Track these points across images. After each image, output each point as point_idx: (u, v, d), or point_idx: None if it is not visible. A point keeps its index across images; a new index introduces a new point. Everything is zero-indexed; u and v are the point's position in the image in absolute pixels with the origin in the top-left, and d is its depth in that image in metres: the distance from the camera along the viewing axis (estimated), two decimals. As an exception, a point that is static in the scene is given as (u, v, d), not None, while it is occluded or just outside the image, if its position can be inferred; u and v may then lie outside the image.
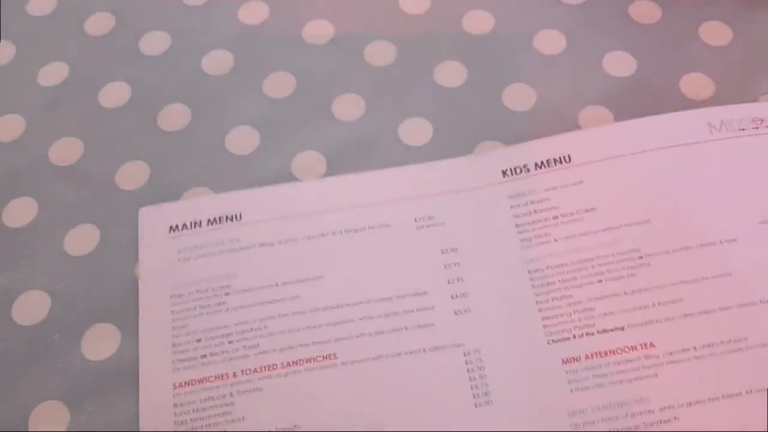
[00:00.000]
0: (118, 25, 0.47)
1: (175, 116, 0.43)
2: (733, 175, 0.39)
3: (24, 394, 0.35)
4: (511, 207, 0.39)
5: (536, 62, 0.44)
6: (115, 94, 0.45)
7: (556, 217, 0.38)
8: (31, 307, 0.38)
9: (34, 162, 0.42)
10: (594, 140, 0.40)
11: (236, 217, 0.40)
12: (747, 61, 0.43)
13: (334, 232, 0.39)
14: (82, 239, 0.39)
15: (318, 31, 0.46)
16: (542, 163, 0.40)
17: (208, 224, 0.39)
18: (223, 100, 0.44)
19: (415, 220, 0.39)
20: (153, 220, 0.40)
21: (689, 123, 0.40)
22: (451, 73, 0.44)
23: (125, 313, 0.37)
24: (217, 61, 0.45)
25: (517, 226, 0.39)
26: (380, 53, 0.45)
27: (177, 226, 0.40)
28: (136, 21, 0.47)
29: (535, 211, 0.39)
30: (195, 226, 0.39)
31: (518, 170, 0.40)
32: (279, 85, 0.44)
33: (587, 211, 0.38)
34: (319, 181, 0.41)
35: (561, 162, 0.40)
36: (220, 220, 0.40)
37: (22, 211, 0.41)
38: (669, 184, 0.39)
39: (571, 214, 0.38)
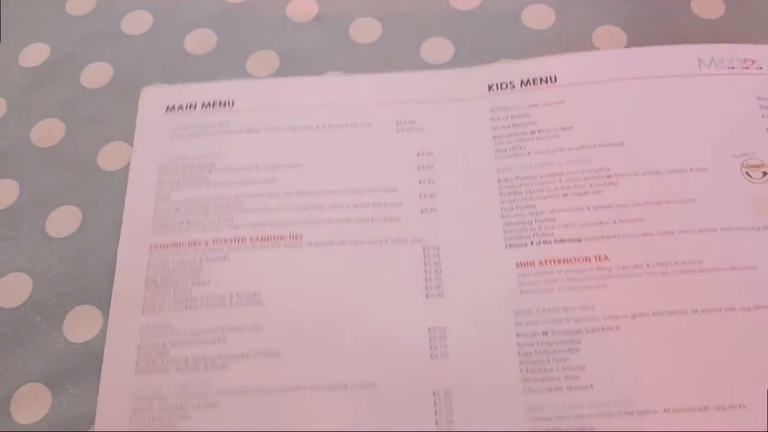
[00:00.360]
0: (100, 5, 0.46)
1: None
2: (714, 109, 0.39)
3: (6, 376, 0.35)
4: (492, 119, 0.40)
5: (524, 38, 0.43)
6: (96, 75, 0.43)
7: (534, 132, 0.39)
8: (13, 289, 0.37)
9: (15, 144, 0.41)
10: (582, 64, 0.41)
11: (229, 104, 0.42)
12: (738, 33, 0.42)
13: (318, 126, 0.40)
14: (64, 221, 0.39)
15: (302, 8, 0.45)
16: (528, 81, 0.41)
17: (202, 107, 0.42)
18: (207, 79, 0.43)
19: (397, 123, 0.40)
20: (153, 99, 0.42)
21: (679, 56, 0.41)
22: (437, 50, 0.43)
23: (107, 296, 0.36)
24: (200, 40, 0.44)
25: (494, 137, 0.40)
26: (366, 30, 0.44)
27: (173, 106, 0.42)
28: (118, 1, 0.46)
29: (514, 125, 0.40)
30: (190, 108, 0.42)
31: (504, 86, 0.41)
32: (263, 63, 0.43)
33: (564, 129, 0.39)
34: (312, 78, 0.42)
35: (547, 81, 0.41)
36: (213, 104, 0.42)
37: (3, 193, 0.40)
38: (649, 111, 0.39)
39: (549, 130, 0.39)
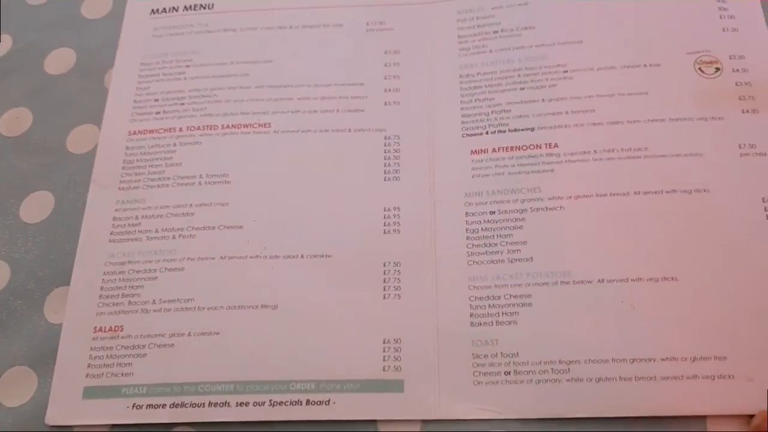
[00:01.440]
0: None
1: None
2: (673, 10, 0.40)
3: (-9, 361, 0.35)
4: (458, 21, 0.42)
5: None
6: (60, 61, 0.43)
7: (497, 32, 0.41)
8: (-8, 277, 0.37)
9: (-16, 135, 0.41)
10: (548, -32, 0.42)
11: (209, 6, 0.44)
12: None
13: (291, 26, 0.42)
14: (37, 206, 0.39)
15: None
16: (494, -15, 0.42)
17: (184, 9, 0.44)
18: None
19: (367, 24, 0.42)
20: (139, 4, 0.44)
21: (643, -39, 0.41)
22: None
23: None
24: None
25: (459, 37, 0.41)
26: None
27: (158, 9, 0.44)
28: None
29: (478, 25, 0.41)
30: (173, 11, 0.44)
31: (472, -10, 0.42)
32: None
33: (526, 28, 0.41)
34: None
35: (512, -15, 0.42)
36: (194, 7, 0.44)
37: (-23, 184, 0.40)
38: (609, 12, 0.40)
39: (511, 30, 0.41)
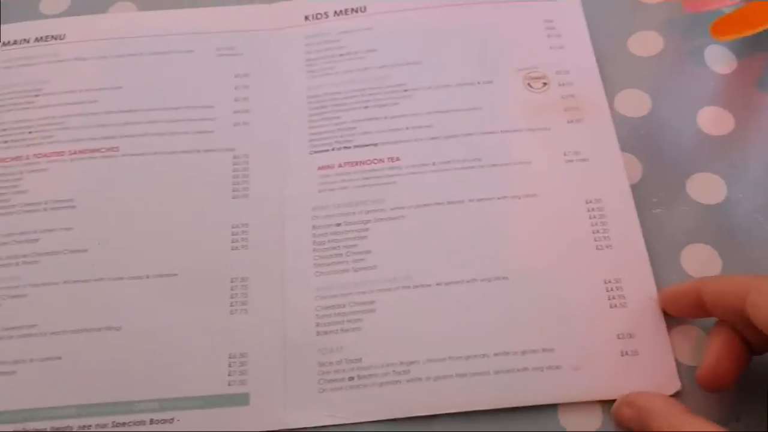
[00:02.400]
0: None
1: None
2: (505, 31, 0.43)
3: None
4: (306, 45, 0.43)
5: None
6: None
7: (342, 54, 0.43)
8: None
9: None
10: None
11: (60, 37, 0.44)
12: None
13: (142, 53, 0.43)
14: None
15: None
16: (341, 11, 0.44)
17: (35, 41, 0.44)
18: None
19: (217, 50, 0.43)
20: (-12, 36, 0.44)
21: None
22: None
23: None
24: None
25: (307, 60, 0.43)
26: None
27: (8, 41, 0.44)
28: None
29: (326, 49, 0.43)
30: (24, 42, 0.44)
31: (319, 16, 0.44)
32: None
33: (369, 51, 0.43)
34: (136, 13, 0.45)
35: (357, 11, 0.44)
36: (46, 38, 0.44)
37: None
38: (446, 34, 0.43)
39: (356, 53, 0.43)
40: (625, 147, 0.39)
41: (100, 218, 0.38)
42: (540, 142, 0.39)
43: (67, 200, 0.38)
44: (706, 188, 0.38)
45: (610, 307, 0.35)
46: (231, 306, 0.35)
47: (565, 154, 0.39)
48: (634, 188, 0.38)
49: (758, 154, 0.39)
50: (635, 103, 0.41)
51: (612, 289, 0.35)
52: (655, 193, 0.38)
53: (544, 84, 0.41)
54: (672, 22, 0.43)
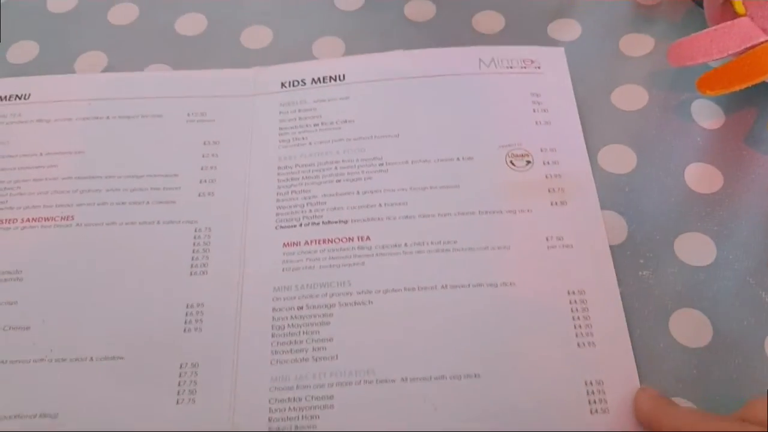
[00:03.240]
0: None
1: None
2: (489, 104, 0.41)
3: None
4: (280, 113, 0.41)
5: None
6: None
7: (317, 124, 0.41)
8: None
9: None
10: (369, 64, 0.43)
11: (25, 96, 0.42)
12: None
13: (108, 117, 0.41)
14: None
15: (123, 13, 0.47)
16: (319, 79, 0.43)
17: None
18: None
19: (188, 115, 0.41)
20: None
21: (461, 57, 0.43)
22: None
23: None
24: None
25: (280, 129, 0.41)
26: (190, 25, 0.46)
27: (-30, 99, 0.42)
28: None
29: (300, 118, 0.41)
30: (-14, 101, 0.42)
31: (296, 83, 0.42)
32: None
33: (346, 122, 0.41)
34: (105, 74, 0.43)
35: (335, 80, 0.42)
36: (9, 97, 0.42)
37: None
38: (426, 106, 0.41)
39: (331, 123, 0.41)
40: (609, 205, 0.37)
41: (47, 292, 0.35)
42: (521, 225, 0.37)
43: (15, 272, 0.36)
44: (695, 249, 0.36)
45: (591, 413, 0.32)
46: (178, 395, 0.33)
47: (547, 240, 0.36)
48: (620, 248, 0.36)
49: (748, 212, 0.37)
50: (620, 158, 0.39)
51: (593, 392, 0.32)
52: (642, 254, 0.36)
53: (528, 162, 0.39)
54: (657, 76, 0.42)
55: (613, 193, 0.38)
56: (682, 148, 0.39)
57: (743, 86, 0.38)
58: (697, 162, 0.39)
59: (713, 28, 0.39)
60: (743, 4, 0.38)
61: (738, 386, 0.32)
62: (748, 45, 0.38)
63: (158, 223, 0.37)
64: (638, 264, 0.36)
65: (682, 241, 0.36)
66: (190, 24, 0.46)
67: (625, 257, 0.36)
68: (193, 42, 0.45)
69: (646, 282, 0.35)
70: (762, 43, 0.37)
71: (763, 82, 0.37)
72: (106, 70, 0.44)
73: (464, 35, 0.45)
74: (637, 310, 0.34)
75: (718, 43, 0.38)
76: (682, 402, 0.32)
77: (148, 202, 0.38)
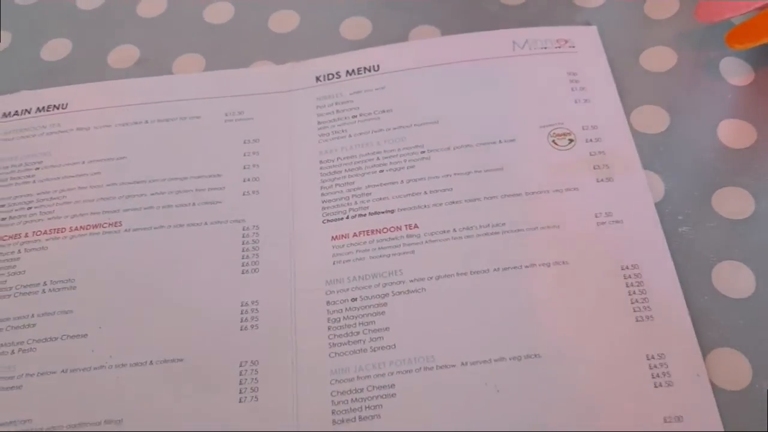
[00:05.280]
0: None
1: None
2: (526, 86, 0.41)
3: None
4: (318, 107, 0.41)
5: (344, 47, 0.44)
6: None
7: (355, 116, 0.41)
8: None
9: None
10: (403, 53, 0.43)
11: (63, 106, 0.42)
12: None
13: (147, 121, 0.41)
14: None
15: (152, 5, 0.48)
16: (353, 70, 0.42)
17: (37, 111, 0.42)
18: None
19: (225, 115, 0.41)
20: (-11, 108, 0.43)
21: (495, 40, 0.42)
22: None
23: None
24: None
25: (319, 123, 0.41)
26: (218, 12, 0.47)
27: (9, 112, 0.43)
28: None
29: (338, 111, 0.41)
30: (25, 113, 0.42)
31: (330, 76, 0.42)
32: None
33: (384, 111, 0.40)
34: (140, 79, 0.43)
35: (370, 70, 0.42)
36: (48, 108, 0.42)
37: None
38: (463, 91, 0.41)
39: (369, 114, 0.41)
40: (645, 164, 0.37)
41: (101, 299, 0.35)
42: (568, 203, 0.36)
43: (67, 280, 0.36)
44: (733, 203, 0.36)
45: (655, 386, 0.31)
46: (240, 393, 0.33)
47: (596, 216, 0.36)
48: (658, 206, 0.36)
49: None
50: (652, 119, 0.39)
51: (656, 366, 0.32)
52: (680, 210, 0.36)
53: (570, 141, 0.39)
54: (684, 37, 0.42)
55: (647, 152, 0.38)
56: (713, 106, 0.40)
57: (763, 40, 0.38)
58: (729, 118, 0.39)
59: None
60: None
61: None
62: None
63: (205, 224, 0.38)
64: (677, 221, 0.36)
65: (720, 196, 0.36)
66: (218, 12, 0.46)
67: (663, 215, 0.36)
68: (222, 30, 0.46)
69: (686, 238, 0.35)
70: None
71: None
72: (138, 63, 0.45)
73: (491, 7, 0.45)
74: (680, 265, 0.34)
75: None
76: (731, 351, 0.32)
77: (194, 204, 0.38)
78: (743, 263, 0.34)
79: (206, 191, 0.39)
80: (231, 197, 0.38)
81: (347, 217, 0.37)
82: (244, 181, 0.39)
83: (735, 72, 0.40)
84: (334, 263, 0.36)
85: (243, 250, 0.37)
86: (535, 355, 0.32)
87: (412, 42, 0.43)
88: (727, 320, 0.33)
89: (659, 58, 0.42)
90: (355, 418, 0.32)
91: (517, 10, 0.44)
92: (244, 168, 0.39)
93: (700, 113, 0.39)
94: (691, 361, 0.32)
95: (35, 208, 0.38)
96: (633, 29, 0.43)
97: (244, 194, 0.38)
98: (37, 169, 0.40)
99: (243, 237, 0.37)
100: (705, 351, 0.32)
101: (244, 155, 0.40)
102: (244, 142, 0.40)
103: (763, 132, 0.38)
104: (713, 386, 0.31)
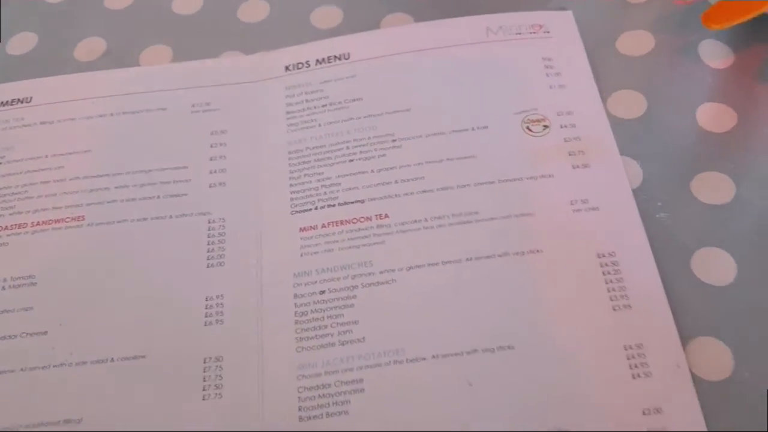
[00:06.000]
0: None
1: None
2: (500, 71, 0.40)
3: None
4: (286, 96, 0.40)
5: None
6: None
7: (325, 105, 0.40)
8: None
9: None
10: (375, 41, 0.42)
11: (27, 100, 0.41)
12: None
13: (112, 114, 0.40)
14: None
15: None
16: (323, 59, 0.41)
17: (0, 105, 0.41)
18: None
19: (192, 106, 0.40)
20: (-48, 102, 0.42)
21: (468, 26, 0.41)
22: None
23: None
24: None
25: (288, 113, 0.40)
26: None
27: (-28, 107, 0.41)
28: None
29: (307, 100, 0.40)
30: (-12, 107, 0.41)
31: (300, 65, 0.41)
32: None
33: (354, 100, 0.39)
34: (105, 72, 0.42)
35: (340, 59, 0.41)
36: (11, 102, 0.41)
37: None
38: (436, 78, 0.40)
39: (339, 103, 0.40)
40: (622, 150, 0.37)
41: (62, 296, 0.34)
42: (543, 190, 0.35)
43: (27, 277, 0.35)
44: (713, 188, 0.35)
45: (633, 377, 0.30)
46: (204, 390, 0.32)
47: (572, 203, 0.35)
48: (635, 192, 0.35)
49: (764, 148, 0.36)
50: (630, 103, 0.38)
51: (634, 357, 0.31)
52: (659, 196, 0.35)
53: (545, 127, 0.38)
54: (662, 20, 0.42)
55: (625, 138, 0.37)
56: (692, 89, 0.39)
57: (749, 16, 0.37)
58: (708, 102, 0.38)
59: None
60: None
61: (766, 321, 0.31)
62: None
63: (170, 217, 0.36)
64: (656, 207, 0.35)
65: (700, 181, 0.36)
66: (187, 3, 0.46)
67: (641, 201, 0.35)
68: (190, 21, 0.45)
69: (664, 224, 0.34)
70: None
71: (769, 18, 0.36)
72: (104, 55, 0.44)
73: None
74: (658, 252, 0.33)
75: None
76: (711, 341, 0.31)
77: (158, 197, 0.37)
78: (723, 249, 0.34)
79: (171, 184, 0.38)
80: (197, 190, 0.37)
81: (316, 208, 0.36)
82: (211, 173, 0.38)
83: (714, 54, 0.40)
84: (302, 255, 0.35)
85: (208, 244, 0.36)
86: (509, 347, 0.31)
87: (384, 29, 0.42)
88: (708, 308, 0.32)
89: (636, 42, 0.41)
90: (322, 414, 0.31)
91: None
92: (211, 160, 0.38)
93: (679, 97, 0.38)
94: (671, 350, 0.31)
95: (-4, 204, 0.37)
96: (609, 13, 0.42)
97: (210, 186, 0.37)
98: (0, 164, 0.39)
99: (209, 230, 0.36)
100: (685, 340, 0.31)
101: (211, 147, 0.39)
102: (211, 134, 0.39)
103: (743, 115, 0.37)
104: (693, 377, 0.30)
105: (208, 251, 0.35)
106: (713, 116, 0.37)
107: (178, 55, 0.43)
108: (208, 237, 0.36)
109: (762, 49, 0.39)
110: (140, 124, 0.40)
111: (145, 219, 0.36)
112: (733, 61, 0.39)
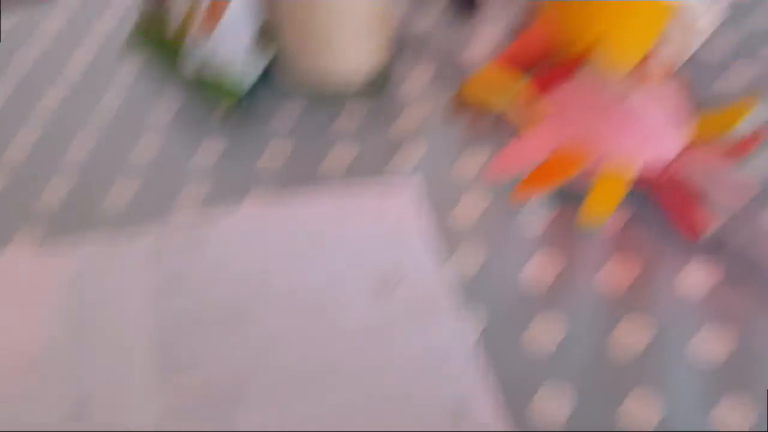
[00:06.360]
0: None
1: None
2: (348, 238, 0.42)
3: None
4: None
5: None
6: None
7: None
8: None
9: None
10: (228, 220, 0.43)
11: None
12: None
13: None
14: None
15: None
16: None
17: None
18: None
19: None
20: None
21: (319, 202, 0.44)
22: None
23: None
24: None
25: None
26: None
27: None
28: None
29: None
30: None
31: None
32: None
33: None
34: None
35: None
36: None
37: None
38: (290, 248, 0.41)
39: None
40: (461, 305, 0.39)
41: None
42: (388, 350, 0.37)
43: None
44: (545, 334, 0.38)
45: None
46: None
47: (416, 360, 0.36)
48: (476, 345, 0.37)
49: (588, 291, 0.40)
50: (469, 261, 0.41)
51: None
52: (497, 346, 0.38)
53: (390, 287, 0.40)
54: (495, 186, 0.45)
55: (464, 293, 0.40)
56: (522, 245, 0.42)
57: (552, 186, 0.42)
58: (536, 254, 0.42)
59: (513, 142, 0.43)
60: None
61: None
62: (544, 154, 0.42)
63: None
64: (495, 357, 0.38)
65: (533, 328, 0.38)
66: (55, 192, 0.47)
67: (481, 352, 0.37)
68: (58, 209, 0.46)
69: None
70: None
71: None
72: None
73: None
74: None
75: (519, 155, 0.42)
76: None
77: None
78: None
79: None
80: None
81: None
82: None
83: (537, 214, 0.44)
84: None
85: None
86: None
87: (241, 208, 0.44)
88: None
89: (474, 205, 0.44)
90: None
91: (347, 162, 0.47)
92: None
93: (511, 253, 0.42)
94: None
95: None
96: (450, 179, 0.46)
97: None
98: None
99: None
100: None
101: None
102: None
103: (569, 262, 0.41)
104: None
105: None
106: (541, 267, 0.41)
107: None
108: None
109: (572, 206, 0.43)
110: None
111: None
112: (556, 215, 0.44)
